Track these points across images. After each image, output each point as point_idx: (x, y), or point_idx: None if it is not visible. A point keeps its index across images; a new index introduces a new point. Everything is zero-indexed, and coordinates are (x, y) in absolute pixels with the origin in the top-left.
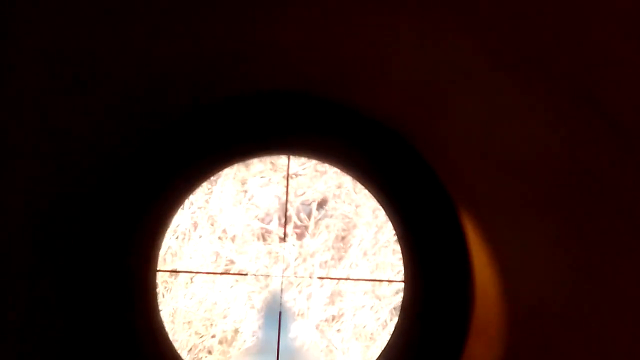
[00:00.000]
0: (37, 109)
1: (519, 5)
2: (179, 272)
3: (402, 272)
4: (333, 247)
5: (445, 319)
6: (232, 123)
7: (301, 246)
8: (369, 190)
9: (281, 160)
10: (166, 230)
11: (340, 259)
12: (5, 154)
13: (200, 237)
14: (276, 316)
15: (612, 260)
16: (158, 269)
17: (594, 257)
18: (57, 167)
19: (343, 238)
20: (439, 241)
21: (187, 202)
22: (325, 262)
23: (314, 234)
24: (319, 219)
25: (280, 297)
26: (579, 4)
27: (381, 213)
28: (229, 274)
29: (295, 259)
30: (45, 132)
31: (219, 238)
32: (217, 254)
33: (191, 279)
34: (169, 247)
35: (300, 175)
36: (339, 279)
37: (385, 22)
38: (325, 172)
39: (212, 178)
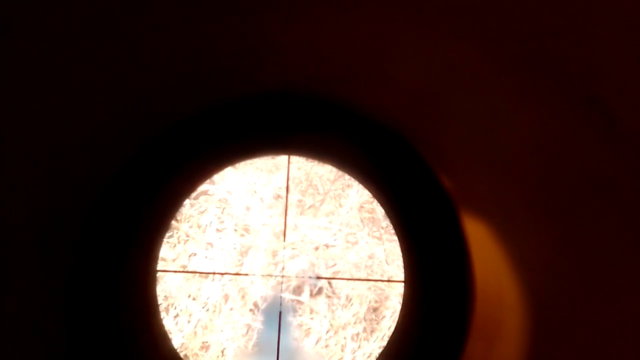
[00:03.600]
0: (37, 110)
1: (516, 7)
2: (186, 272)
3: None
4: (365, 319)
5: (445, 319)
6: (232, 123)
7: (333, 318)
8: (369, 190)
9: (312, 231)
10: (166, 230)
11: (372, 331)
12: (5, 154)
13: (232, 309)
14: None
15: (612, 259)
16: (158, 269)
17: (592, 256)
18: (58, 169)
19: (375, 310)
20: (438, 241)
21: (216, 276)
22: (357, 334)
23: (345, 306)
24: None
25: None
26: (576, 6)
27: None
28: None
29: (327, 332)
30: (46, 133)
31: (250, 310)
32: (249, 327)
33: (222, 351)
34: (199, 320)
35: (331, 246)
36: (329, 278)
37: (384, 25)
38: (356, 243)
39: (243, 250)
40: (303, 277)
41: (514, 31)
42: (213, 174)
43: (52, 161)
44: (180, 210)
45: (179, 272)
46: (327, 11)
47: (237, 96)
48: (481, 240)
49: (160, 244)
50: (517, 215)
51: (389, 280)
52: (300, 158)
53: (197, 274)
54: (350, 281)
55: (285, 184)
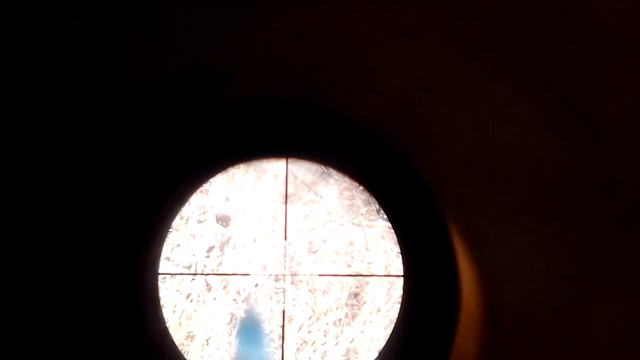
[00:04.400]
0: (38, 111)
1: (506, 14)
2: (183, 274)
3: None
4: (347, 305)
5: (433, 318)
6: (230, 129)
7: (315, 305)
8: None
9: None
10: (167, 232)
11: (354, 316)
12: (7, 154)
13: (215, 299)
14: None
15: (596, 263)
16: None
17: (576, 261)
18: (59, 170)
19: (356, 295)
20: (425, 244)
21: (199, 266)
22: (339, 319)
23: (326, 292)
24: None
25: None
26: (567, 15)
27: (393, 269)
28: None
29: (309, 318)
30: (47, 135)
31: (234, 300)
32: (232, 315)
33: (207, 340)
34: (183, 310)
35: (312, 232)
36: (323, 275)
37: (373, 31)
38: (336, 230)
39: (224, 240)
40: (284, 265)
41: (499, 37)
42: (212, 177)
43: (53, 162)
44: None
45: (183, 274)
46: (317, 22)
47: (232, 104)
48: (466, 244)
49: (162, 247)
50: (503, 220)
51: (387, 275)
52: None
53: (181, 265)
54: (332, 268)
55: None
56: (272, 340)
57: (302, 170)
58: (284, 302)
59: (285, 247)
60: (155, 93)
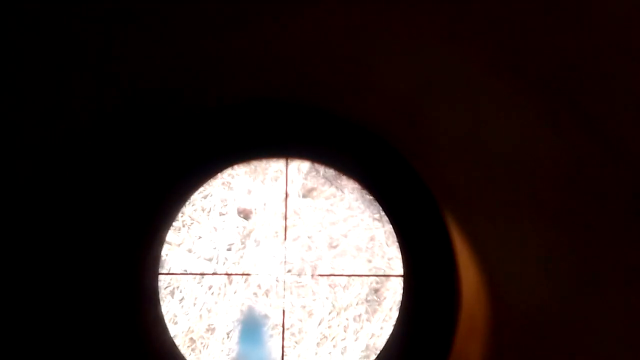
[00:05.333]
0: (37, 111)
1: (504, 13)
2: (185, 274)
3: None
4: (367, 300)
5: (433, 318)
6: (230, 129)
7: (335, 300)
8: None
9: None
10: (167, 232)
11: (374, 312)
12: (8, 154)
13: (235, 292)
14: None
15: (596, 262)
16: (160, 271)
17: (577, 260)
18: (59, 170)
19: (376, 291)
20: (425, 244)
21: (220, 259)
22: (359, 315)
23: (346, 287)
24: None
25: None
26: (563, 13)
27: None
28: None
29: (329, 313)
30: (46, 136)
31: (254, 293)
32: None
33: (227, 334)
34: (204, 303)
35: (333, 227)
36: (333, 275)
37: (373, 31)
38: (357, 226)
39: (245, 233)
40: (305, 259)
41: (499, 37)
42: (212, 177)
43: (52, 162)
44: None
45: (182, 274)
46: (316, 22)
47: (232, 104)
48: (465, 242)
49: (162, 247)
50: (501, 218)
51: (387, 275)
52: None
53: (203, 258)
54: (351, 264)
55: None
56: (293, 334)
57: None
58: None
59: (310, 238)
60: (155, 93)
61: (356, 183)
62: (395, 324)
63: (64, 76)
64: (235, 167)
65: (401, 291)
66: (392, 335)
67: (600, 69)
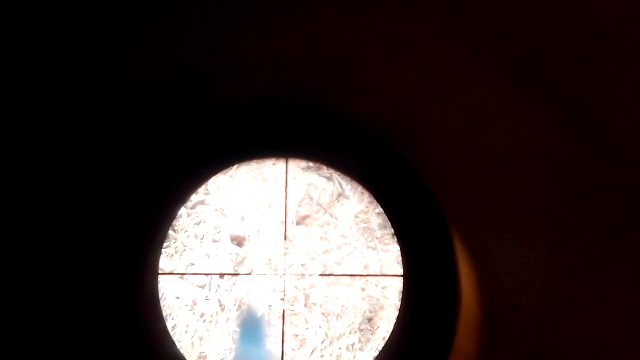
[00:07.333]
0: (36, 111)
1: (503, 11)
2: (185, 274)
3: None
4: (360, 330)
5: (433, 318)
6: (230, 129)
7: (328, 329)
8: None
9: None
10: (167, 232)
11: (367, 341)
12: (7, 155)
13: (228, 320)
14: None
15: (596, 263)
16: (160, 272)
17: (577, 261)
18: (59, 170)
19: (370, 320)
20: (425, 244)
21: (213, 286)
22: (352, 344)
23: (340, 316)
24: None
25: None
26: (561, 10)
27: None
28: None
29: (322, 342)
30: (46, 136)
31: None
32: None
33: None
34: (196, 331)
35: (327, 255)
36: (332, 275)
37: (373, 31)
38: (351, 254)
39: (238, 260)
40: (298, 287)
41: (499, 37)
42: (213, 176)
43: (52, 162)
44: (177, 219)
45: (180, 274)
46: (316, 24)
47: (232, 104)
48: (466, 243)
49: (162, 247)
50: (502, 219)
51: (386, 275)
52: (297, 168)
53: (195, 285)
54: (346, 291)
55: (284, 193)
56: None
57: (319, 192)
58: (296, 326)
59: (304, 265)
60: (156, 93)
61: (356, 183)
62: (395, 324)
63: (63, 76)
64: (236, 166)
65: (395, 320)
66: (392, 335)
67: (602, 71)
